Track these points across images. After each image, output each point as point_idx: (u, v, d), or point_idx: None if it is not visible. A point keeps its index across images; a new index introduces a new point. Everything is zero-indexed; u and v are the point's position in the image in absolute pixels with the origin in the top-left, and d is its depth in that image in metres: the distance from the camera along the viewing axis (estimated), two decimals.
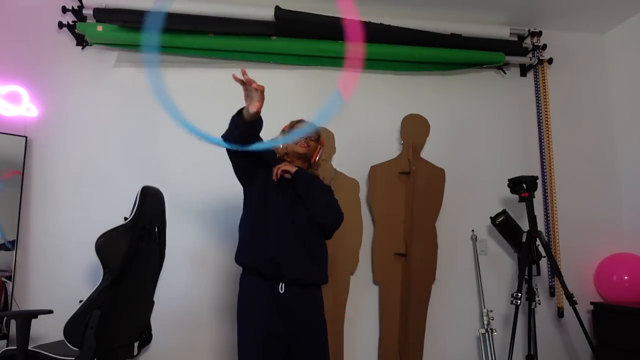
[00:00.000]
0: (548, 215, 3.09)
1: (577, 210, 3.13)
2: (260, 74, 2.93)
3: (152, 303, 2.23)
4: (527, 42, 3.23)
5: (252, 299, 1.85)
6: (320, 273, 1.90)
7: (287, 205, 1.89)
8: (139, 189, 1.97)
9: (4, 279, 2.46)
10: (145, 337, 2.21)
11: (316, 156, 2.06)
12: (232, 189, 2.75)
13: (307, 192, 1.90)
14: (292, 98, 2.88)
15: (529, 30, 3.23)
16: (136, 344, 2.13)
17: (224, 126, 2.87)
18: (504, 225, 2.76)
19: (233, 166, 1.91)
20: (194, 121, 2.82)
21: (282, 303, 1.80)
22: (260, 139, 1.84)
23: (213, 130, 2.83)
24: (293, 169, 1.90)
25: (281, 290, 1.81)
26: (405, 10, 3.06)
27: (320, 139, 2.09)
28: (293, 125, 2.08)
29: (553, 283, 3.01)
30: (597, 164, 3.24)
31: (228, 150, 1.84)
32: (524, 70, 3.28)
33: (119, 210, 2.12)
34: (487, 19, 3.19)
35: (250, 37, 2.79)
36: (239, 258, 1.90)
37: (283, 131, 2.10)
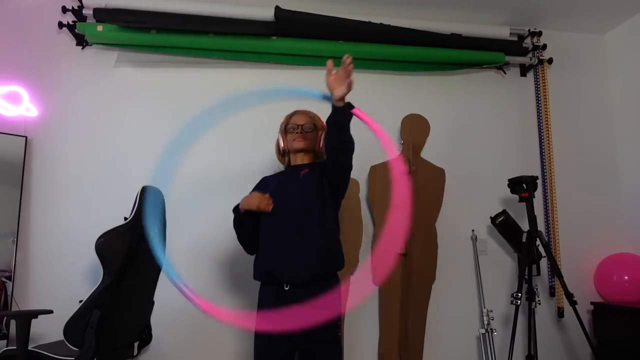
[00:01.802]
0: (548, 215, 3.09)
1: (577, 210, 3.13)
2: (260, 74, 2.97)
3: (152, 303, 2.23)
4: (527, 42, 3.22)
5: (262, 298, 1.92)
6: (316, 269, 1.82)
7: (272, 216, 1.90)
8: (139, 189, 1.97)
9: (4, 279, 2.46)
10: (145, 337, 2.21)
11: (319, 143, 2.01)
12: (233, 188, 2.75)
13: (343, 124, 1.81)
14: (291, 98, 2.88)
15: (529, 30, 3.23)
16: (136, 344, 2.13)
17: (223, 126, 2.88)
18: (504, 225, 2.76)
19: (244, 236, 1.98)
20: (194, 121, 2.80)
21: (287, 299, 1.81)
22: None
23: (215, 129, 2.85)
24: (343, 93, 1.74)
25: (286, 287, 1.82)
26: (405, 10, 3.06)
27: (318, 125, 2.04)
28: (289, 119, 2.07)
29: (553, 283, 3.01)
30: (597, 164, 3.24)
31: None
32: (524, 70, 3.28)
33: (119, 210, 2.11)
34: (487, 19, 3.19)
35: (250, 37, 2.79)
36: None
37: (280, 128, 2.10)
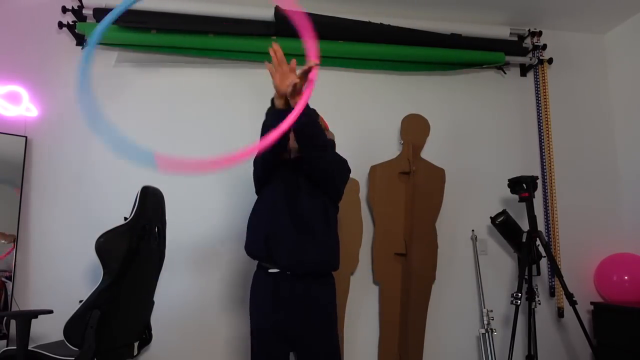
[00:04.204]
0: (548, 215, 3.09)
1: (577, 210, 3.13)
2: (260, 74, 2.96)
3: (152, 303, 2.23)
4: (527, 42, 3.23)
5: (256, 293, 1.89)
6: (322, 260, 1.82)
7: (290, 191, 1.85)
8: (139, 189, 1.97)
9: (4, 279, 2.46)
10: (145, 337, 2.21)
11: None
12: (233, 188, 2.76)
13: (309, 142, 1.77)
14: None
15: (529, 30, 3.23)
16: (136, 344, 2.13)
17: (222, 126, 2.89)
18: (504, 225, 2.76)
19: (260, 172, 1.88)
20: (194, 121, 2.80)
21: (282, 295, 1.80)
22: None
23: (215, 129, 2.85)
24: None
25: (280, 274, 1.80)
26: (405, 10, 3.06)
27: (321, 125, 2.00)
28: None
29: (553, 283, 3.01)
30: (597, 164, 3.23)
31: (264, 159, 1.83)
32: (524, 70, 3.28)
33: (119, 210, 2.11)
34: (487, 19, 3.19)
35: (250, 37, 2.79)
36: (245, 245, 1.91)
37: None
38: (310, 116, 1.75)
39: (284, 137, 1.52)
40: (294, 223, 1.80)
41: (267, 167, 1.86)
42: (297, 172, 1.89)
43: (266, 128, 1.73)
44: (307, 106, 1.70)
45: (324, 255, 1.84)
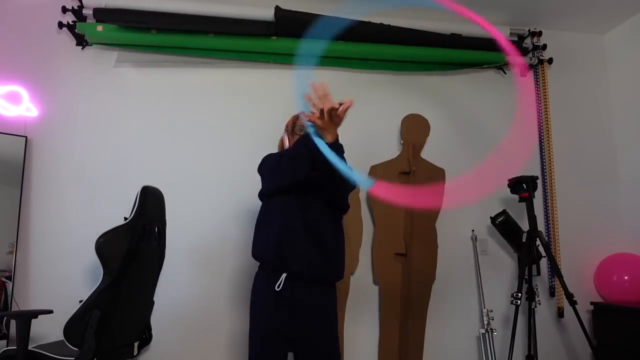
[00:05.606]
0: (548, 215, 3.09)
1: (577, 210, 3.13)
2: (260, 74, 2.97)
3: (152, 303, 2.23)
4: (527, 42, 3.23)
5: (257, 294, 1.88)
6: (330, 268, 1.84)
7: (301, 199, 1.85)
8: (139, 189, 1.97)
9: (4, 279, 2.46)
10: (145, 337, 2.21)
11: None
12: (233, 188, 2.76)
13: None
14: (292, 98, 2.88)
15: (529, 30, 3.23)
16: (136, 344, 2.13)
17: (223, 125, 2.89)
18: (504, 225, 2.76)
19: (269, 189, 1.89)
20: (194, 121, 2.81)
21: (284, 296, 1.78)
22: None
23: (215, 129, 2.86)
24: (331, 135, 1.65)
25: (278, 287, 1.78)
26: (405, 10, 3.06)
27: None
28: (295, 119, 2.05)
29: (553, 283, 3.01)
30: (597, 164, 3.24)
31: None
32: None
33: (119, 210, 2.11)
34: (487, 19, 3.17)
35: (250, 37, 2.79)
36: (252, 250, 1.92)
37: (286, 127, 2.09)
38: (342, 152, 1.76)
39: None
40: (306, 231, 1.81)
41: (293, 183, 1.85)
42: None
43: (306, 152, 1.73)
44: (341, 144, 1.72)
45: (333, 265, 1.85)
